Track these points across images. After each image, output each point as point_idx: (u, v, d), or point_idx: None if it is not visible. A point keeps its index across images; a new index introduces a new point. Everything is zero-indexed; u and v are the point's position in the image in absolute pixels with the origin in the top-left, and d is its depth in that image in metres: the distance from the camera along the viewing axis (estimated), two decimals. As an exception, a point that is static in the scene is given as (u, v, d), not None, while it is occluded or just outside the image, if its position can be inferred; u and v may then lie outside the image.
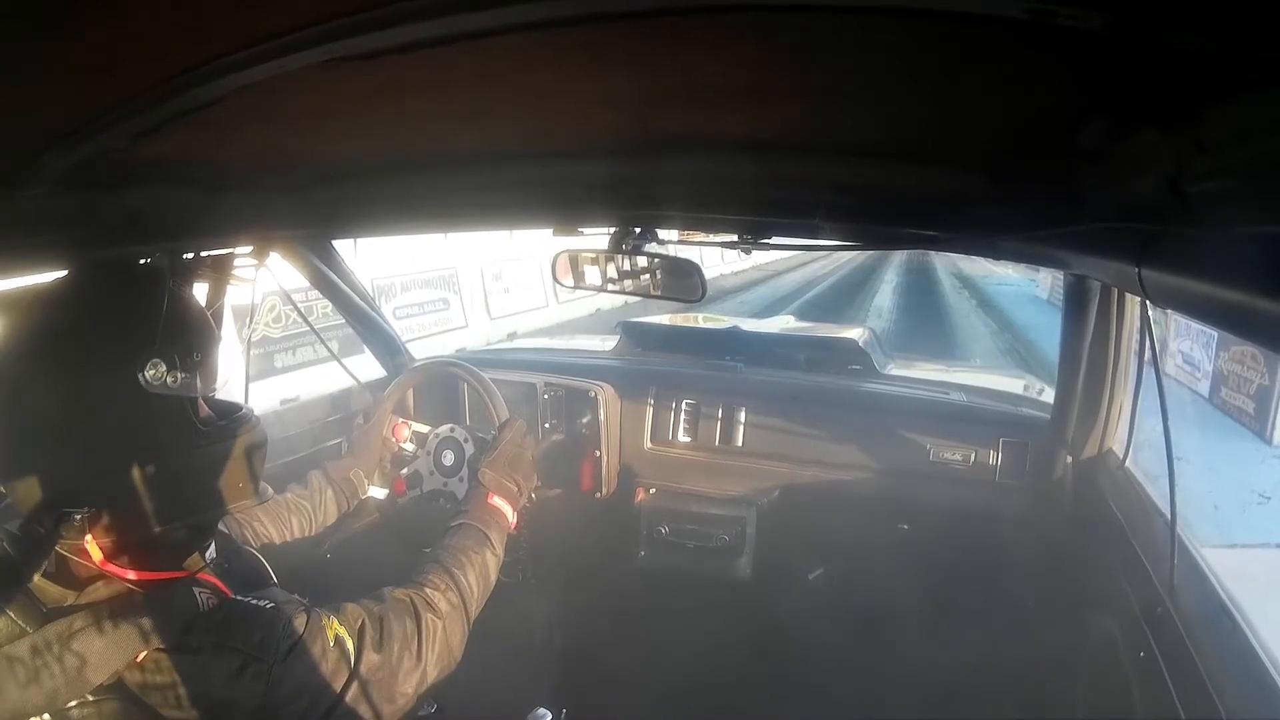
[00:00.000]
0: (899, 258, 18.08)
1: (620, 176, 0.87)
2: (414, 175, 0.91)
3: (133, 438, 0.74)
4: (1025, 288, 15.31)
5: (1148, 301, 0.80)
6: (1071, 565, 1.42)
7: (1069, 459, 1.55)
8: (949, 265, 19.71)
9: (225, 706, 0.74)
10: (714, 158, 0.76)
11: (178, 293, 0.80)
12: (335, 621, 0.84)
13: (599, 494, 1.89)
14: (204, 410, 0.81)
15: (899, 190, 0.78)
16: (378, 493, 1.51)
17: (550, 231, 1.17)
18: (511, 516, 1.22)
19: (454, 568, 1.05)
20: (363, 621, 0.87)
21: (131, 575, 0.75)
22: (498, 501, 1.20)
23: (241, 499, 0.84)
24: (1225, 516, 3.74)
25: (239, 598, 0.81)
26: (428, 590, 0.99)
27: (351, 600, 0.90)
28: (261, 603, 0.80)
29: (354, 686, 0.82)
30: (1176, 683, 0.94)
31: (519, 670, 1.55)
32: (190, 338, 0.77)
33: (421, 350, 2.05)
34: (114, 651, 0.70)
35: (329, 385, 1.96)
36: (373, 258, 5.29)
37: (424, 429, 1.62)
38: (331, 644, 0.82)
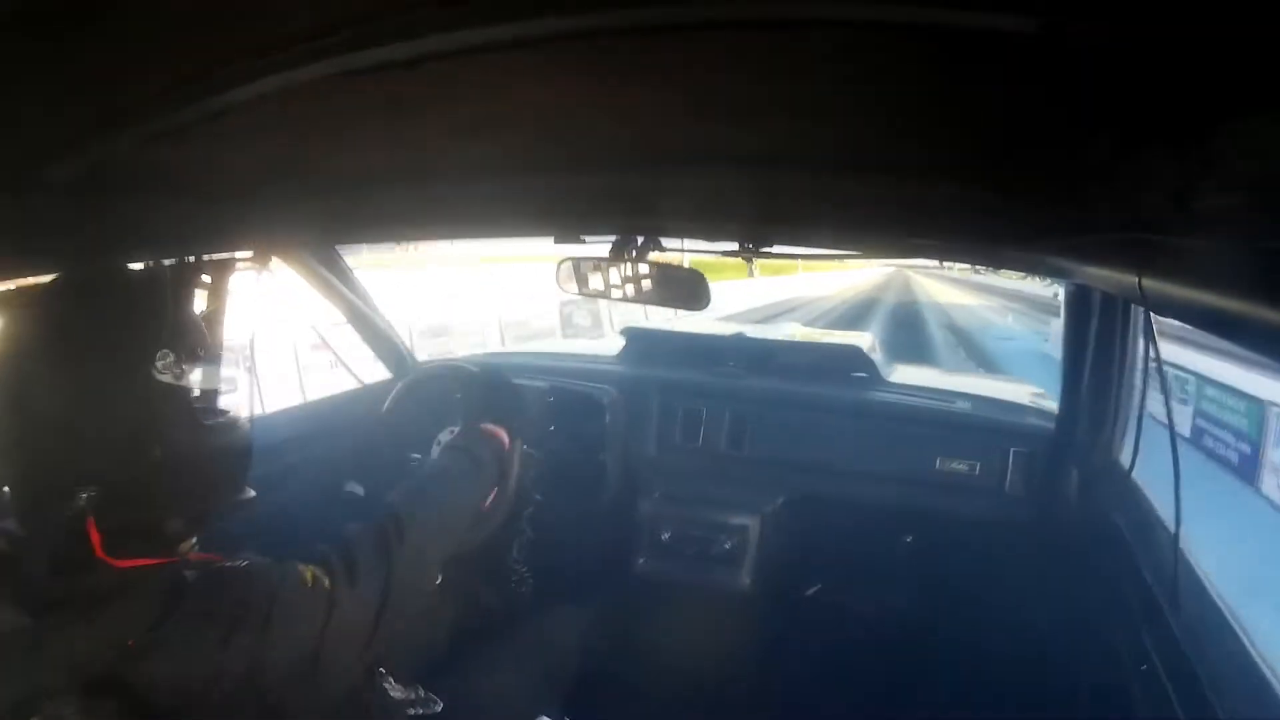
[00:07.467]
0: (884, 309, 17.35)
1: (623, 188, 0.87)
2: (418, 185, 0.91)
3: (137, 427, 0.77)
4: (1031, 342, 12.77)
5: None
6: (1075, 576, 1.41)
7: (1075, 470, 1.54)
8: (940, 318, 18.33)
9: (217, 676, 0.74)
10: (717, 170, 0.76)
11: (181, 294, 0.84)
12: (310, 567, 0.85)
13: (603, 499, 1.89)
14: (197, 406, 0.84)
15: (903, 202, 0.78)
16: (356, 489, 1.52)
17: (552, 240, 1.18)
18: (505, 438, 1.24)
19: (430, 488, 1.07)
20: (330, 559, 0.88)
21: (126, 562, 0.76)
22: (490, 426, 1.23)
23: (231, 494, 0.87)
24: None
25: (219, 564, 0.82)
26: (400, 516, 0.98)
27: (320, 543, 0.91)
28: (239, 564, 0.82)
29: (335, 625, 0.83)
30: (1179, 694, 0.94)
31: (521, 676, 1.55)
32: (194, 335, 0.82)
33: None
34: (106, 641, 0.70)
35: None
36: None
37: (428, 431, 1.62)
38: (310, 585, 0.83)
